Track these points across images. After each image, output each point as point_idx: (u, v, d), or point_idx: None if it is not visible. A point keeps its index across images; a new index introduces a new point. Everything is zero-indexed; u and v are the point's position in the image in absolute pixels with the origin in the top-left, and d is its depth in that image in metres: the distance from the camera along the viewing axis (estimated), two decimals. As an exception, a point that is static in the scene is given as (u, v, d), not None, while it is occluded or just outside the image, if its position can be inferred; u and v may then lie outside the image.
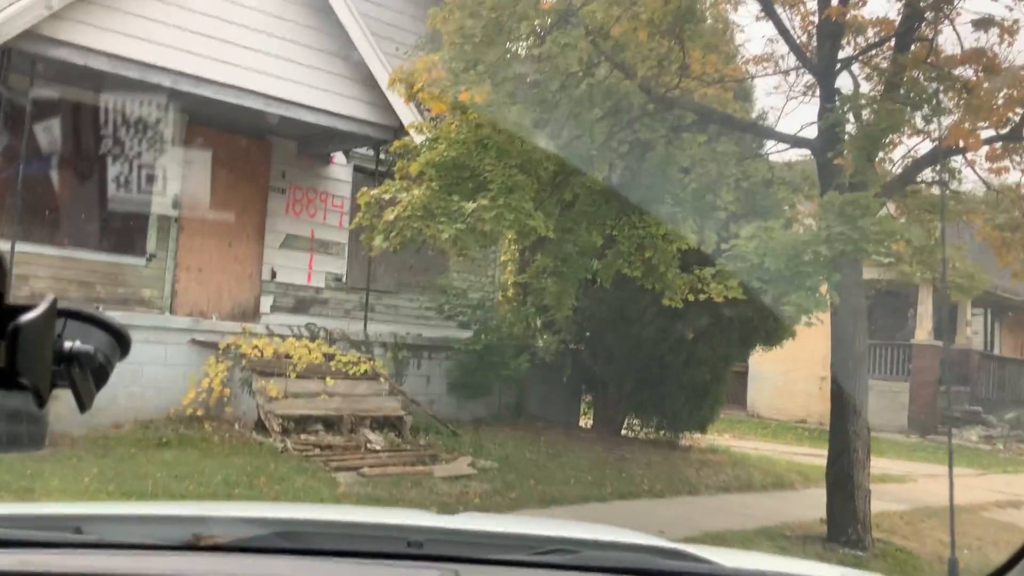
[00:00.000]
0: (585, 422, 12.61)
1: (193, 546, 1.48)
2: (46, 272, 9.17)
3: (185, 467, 6.98)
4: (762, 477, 10.01)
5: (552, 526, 2.37)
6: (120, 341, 0.98)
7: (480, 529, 1.95)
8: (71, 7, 7.81)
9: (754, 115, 9.66)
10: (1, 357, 0.77)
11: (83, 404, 0.92)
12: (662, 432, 11.93)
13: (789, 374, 19.55)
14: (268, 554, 1.50)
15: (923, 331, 17.80)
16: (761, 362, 18.89)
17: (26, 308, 0.80)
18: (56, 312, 0.84)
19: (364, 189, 7.35)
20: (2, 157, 8.99)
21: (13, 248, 8.16)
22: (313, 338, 9.72)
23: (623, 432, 12.12)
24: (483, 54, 5.40)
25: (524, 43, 5.76)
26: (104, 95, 9.10)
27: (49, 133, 9.05)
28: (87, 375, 0.90)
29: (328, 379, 8.84)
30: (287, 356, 8.90)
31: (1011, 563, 1.24)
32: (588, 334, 11.53)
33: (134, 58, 8.35)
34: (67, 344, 0.89)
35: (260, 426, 8.29)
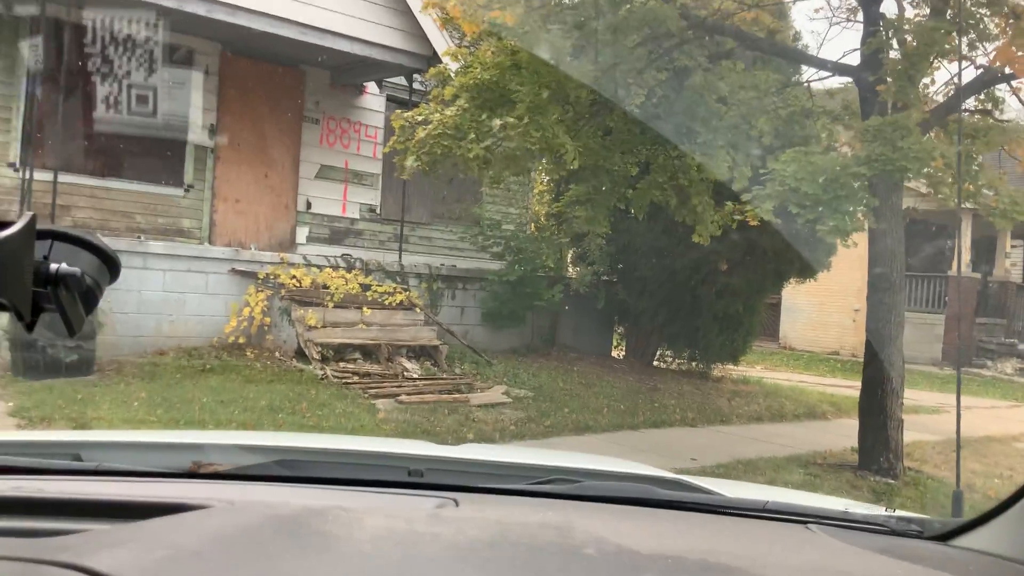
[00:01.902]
0: (618, 353, 12.71)
1: (192, 473, 1.49)
2: (86, 202, 9.33)
3: (230, 393, 7.19)
4: (794, 407, 10.08)
5: (553, 457, 2.35)
6: (109, 264, 0.94)
7: (480, 459, 1.96)
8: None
9: (795, 41, 9.43)
10: None
11: (71, 327, 0.89)
12: (694, 363, 11.99)
13: (822, 306, 19.46)
14: (267, 482, 1.49)
15: (961, 262, 17.56)
16: (794, 294, 18.81)
17: (3, 225, 0.77)
18: (36, 231, 0.81)
19: (398, 112, 7.33)
20: (42, 88, 9.09)
21: (56, 178, 8.30)
22: (349, 269, 9.84)
23: (655, 363, 12.21)
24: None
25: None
26: (138, 24, 9.11)
27: (86, 64, 9.09)
28: (75, 298, 0.87)
29: (365, 309, 8.98)
30: (324, 286, 9.04)
31: (1015, 497, 1.22)
32: (621, 266, 11.54)
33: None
34: (53, 266, 0.85)
35: (300, 354, 8.48)
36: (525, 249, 10.98)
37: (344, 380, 8.07)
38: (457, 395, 8.27)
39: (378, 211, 11.63)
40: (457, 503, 1.36)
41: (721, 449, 7.41)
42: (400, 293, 9.46)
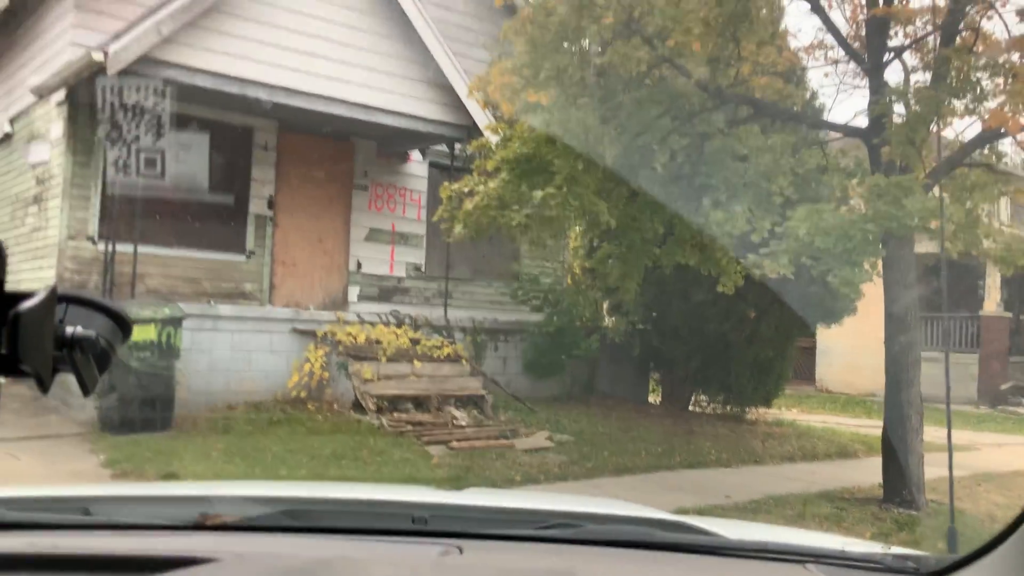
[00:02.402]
0: (654, 399, 13.19)
1: (200, 525, 1.51)
2: (157, 270, 10.14)
3: (296, 443, 7.84)
4: (826, 447, 10.47)
5: (556, 501, 2.33)
6: (121, 325, 0.97)
7: (484, 504, 1.98)
8: (179, 32, 8.70)
9: (809, 100, 10.04)
10: (2, 344, 0.78)
11: (86, 388, 0.92)
12: (728, 407, 12.43)
13: (857, 348, 19.72)
14: (274, 532, 1.52)
15: (991, 302, 17.82)
16: (829, 338, 19.12)
17: (26, 295, 0.80)
18: (56, 298, 0.85)
19: (446, 184, 8.04)
20: (116, 169, 9.98)
21: (136, 250, 9.13)
22: (399, 324, 10.52)
23: (691, 408, 12.66)
24: (550, 61, 6.03)
25: (589, 48, 6.34)
26: (206, 109, 10.02)
27: (154, 145, 9.97)
28: (89, 360, 0.90)
29: (415, 362, 9.62)
30: (377, 341, 9.72)
31: (1008, 532, 1.23)
32: (655, 315, 12.09)
33: (233, 75, 9.22)
34: (68, 329, 0.89)
35: (357, 405, 9.12)
36: (562, 302, 11.60)
37: (399, 429, 8.68)
38: (503, 441, 8.83)
39: (423, 269, 12.35)
40: (461, 550, 1.37)
41: (754, 487, 7.86)
42: (447, 346, 10.11)
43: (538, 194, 6.29)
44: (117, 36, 9.64)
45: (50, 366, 0.83)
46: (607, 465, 8.43)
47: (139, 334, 7.77)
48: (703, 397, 12.83)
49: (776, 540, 1.56)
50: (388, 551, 1.42)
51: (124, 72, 8.58)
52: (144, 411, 7.91)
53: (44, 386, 0.84)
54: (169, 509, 1.71)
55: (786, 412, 14.29)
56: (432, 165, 12.31)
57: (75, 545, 1.33)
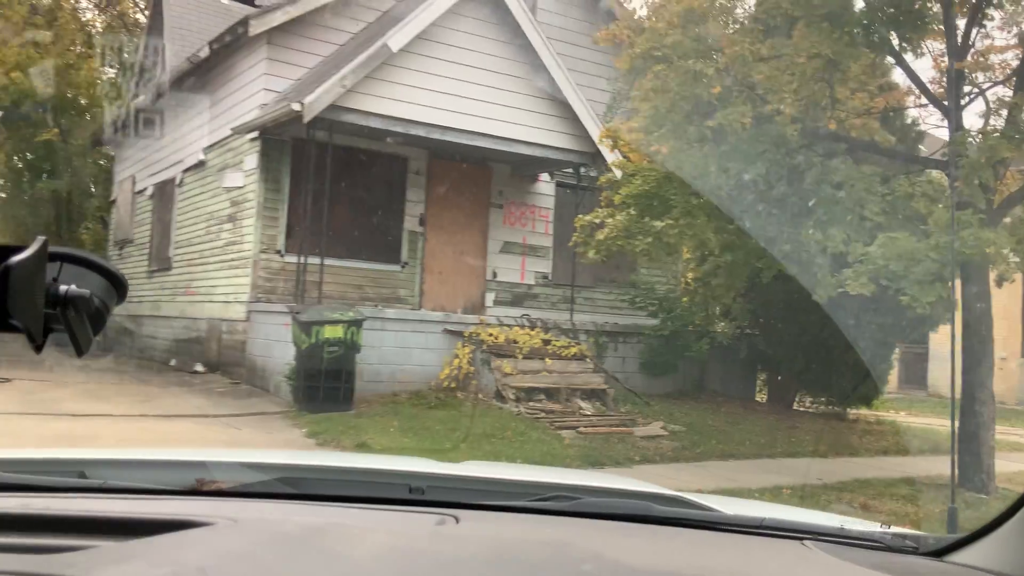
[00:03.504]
0: (760, 398, 14.34)
1: (196, 491, 1.51)
2: (330, 278, 12.03)
3: (452, 423, 9.51)
4: (920, 444, 11.45)
5: (553, 474, 2.33)
6: (116, 285, 0.96)
7: (481, 475, 1.98)
8: (358, 84, 10.52)
9: (900, 136, 11.05)
10: None
11: (80, 348, 0.91)
12: (830, 407, 13.47)
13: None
14: (270, 499, 1.52)
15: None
16: (941, 343, 19.63)
17: (16, 249, 0.80)
18: (48, 255, 0.84)
19: (580, 216, 9.55)
20: (298, 192, 11.94)
21: (322, 263, 11.04)
22: (532, 327, 12.10)
23: (794, 406, 13.76)
24: (670, 120, 7.43)
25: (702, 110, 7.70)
26: (371, 142, 11.86)
27: (327, 171, 11.88)
28: (83, 319, 0.89)
29: (547, 359, 11.18)
30: (514, 341, 11.32)
31: (1008, 513, 1.24)
32: (761, 320, 13.27)
33: (398, 116, 11.01)
34: (62, 288, 0.87)
35: (498, 395, 10.74)
36: (675, 308, 12.93)
37: (534, 416, 10.25)
38: (623, 428, 10.27)
39: (550, 277, 13.92)
40: (457, 520, 1.37)
41: (844, 473, 9.04)
42: (573, 346, 11.62)
43: (658, 224, 7.71)
44: (300, 82, 11.62)
45: (41, 322, 0.83)
46: (714, 451, 9.75)
47: (329, 332, 9.61)
48: (807, 397, 13.89)
49: (774, 516, 1.56)
50: (384, 519, 1.42)
51: (316, 118, 10.45)
52: (331, 395, 9.74)
53: (36, 343, 0.83)
54: (165, 474, 1.72)
55: (893, 414, 15.15)
56: (559, 185, 13.85)
57: (69, 507, 1.32)
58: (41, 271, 0.82)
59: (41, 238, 0.83)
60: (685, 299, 13.76)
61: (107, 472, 1.62)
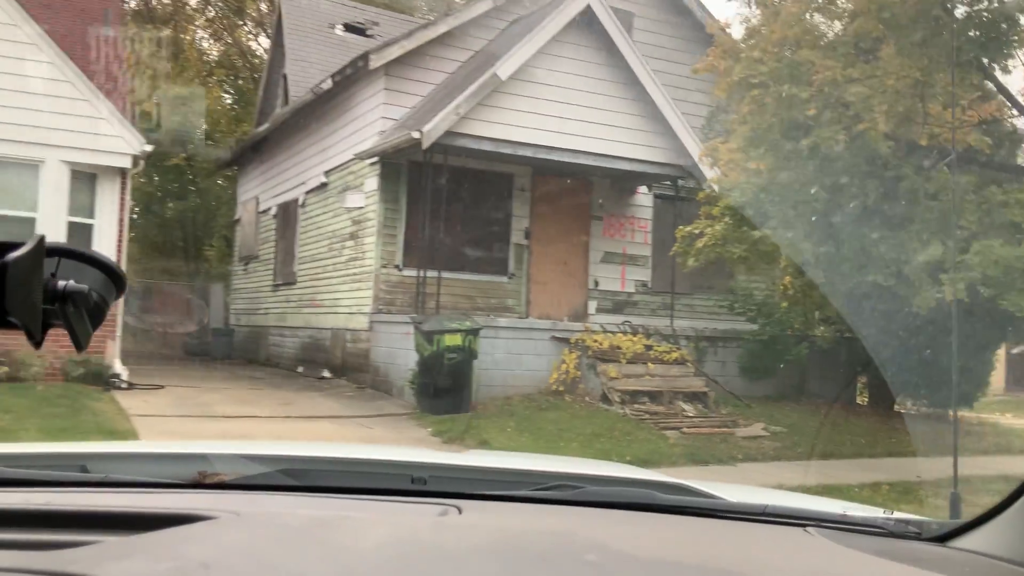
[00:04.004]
0: (861, 400, 14.57)
1: (198, 483, 1.52)
2: (444, 290, 12.94)
3: (562, 424, 10.23)
4: (1022, 444, 11.56)
5: (556, 463, 2.39)
6: (114, 280, 0.95)
7: (483, 465, 1.98)
8: (470, 111, 11.40)
9: (995, 146, 11.23)
10: None
11: (79, 343, 0.91)
12: (932, 408, 13.61)
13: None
14: (272, 491, 1.53)
15: None
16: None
17: (14, 245, 0.80)
18: (46, 250, 0.84)
19: (681, 227, 10.16)
20: (415, 210, 12.90)
21: (440, 276, 11.96)
22: (633, 333, 12.73)
23: (895, 409, 13.95)
24: (766, 141, 7.97)
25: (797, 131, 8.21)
26: (480, 162, 12.73)
27: (441, 191, 12.79)
28: (82, 314, 0.89)
29: (649, 364, 11.79)
30: (618, 347, 11.97)
31: (1012, 499, 1.24)
32: (860, 324, 13.53)
33: (506, 139, 11.83)
34: (61, 283, 0.87)
35: (604, 398, 11.42)
36: (774, 313, 13.34)
37: (639, 417, 10.88)
38: (725, 429, 10.80)
39: (649, 285, 14.51)
40: (460, 510, 1.38)
41: (942, 471, 9.33)
42: (674, 351, 12.20)
43: (756, 234, 8.27)
44: (415, 110, 12.59)
45: (39, 318, 0.83)
46: (815, 451, 10.19)
47: (449, 340, 10.48)
48: (908, 399, 14.06)
49: (776, 503, 1.57)
50: (387, 510, 1.43)
51: (432, 143, 11.37)
52: (451, 397, 10.61)
53: (34, 339, 0.83)
54: (167, 467, 1.71)
55: (997, 416, 15.13)
56: (656, 196, 14.43)
57: (71, 502, 1.33)
58: (39, 267, 0.82)
59: (38, 234, 0.83)
60: (784, 304, 14.13)
61: (108, 466, 1.64)
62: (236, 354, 18.56)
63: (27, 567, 0.96)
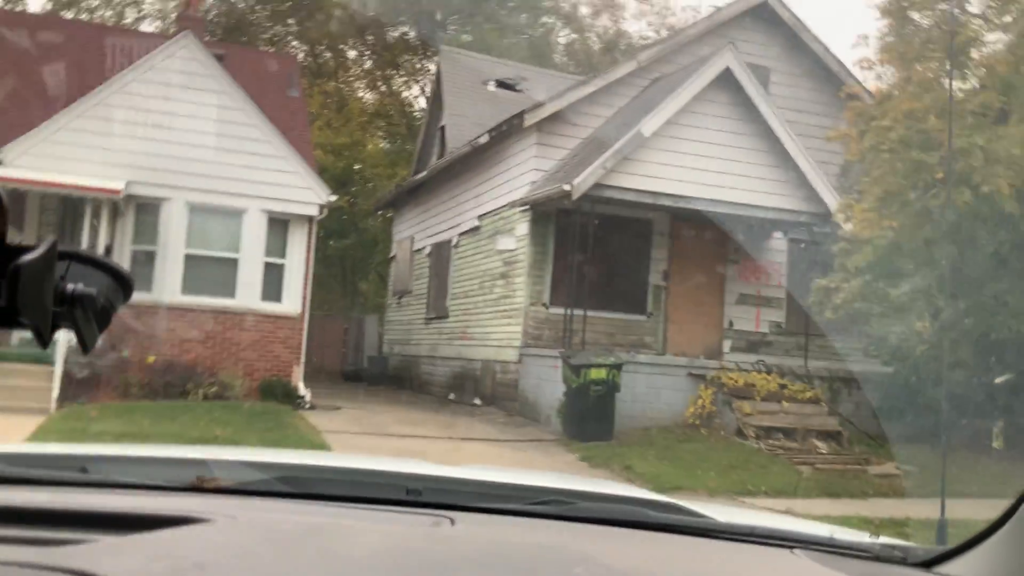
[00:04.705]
0: (996, 444, 14.62)
1: (196, 488, 1.54)
2: (588, 327, 13.98)
3: (700, 455, 11.06)
4: None
5: (549, 479, 2.48)
6: (122, 284, 0.97)
7: (478, 478, 2.01)
8: (616, 165, 12.52)
9: None
10: (2, 296, 0.79)
11: (86, 345, 0.92)
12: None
13: None
14: (269, 497, 1.56)
15: None
16: None
17: (27, 249, 0.81)
18: (57, 254, 0.86)
19: (817, 280, 10.87)
20: (560, 253, 14.07)
21: (585, 314, 13.07)
22: (768, 372, 13.40)
23: (1038, 453, 13.96)
24: (897, 200, 8.66)
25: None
26: (621, 208, 13.79)
27: (596, 238, 13.90)
28: (90, 317, 0.91)
29: (783, 402, 12.45)
30: (752, 385, 12.69)
31: (997, 525, 1.24)
32: (997, 370, 13.69)
33: (648, 190, 12.87)
34: (69, 286, 0.89)
35: (739, 432, 12.16)
36: (908, 357, 13.69)
37: (773, 452, 11.56)
38: (857, 466, 11.33)
39: (783, 326, 15.11)
40: (453, 522, 1.40)
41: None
42: (809, 391, 12.80)
43: (893, 292, 8.95)
44: (564, 163, 13.81)
45: (49, 321, 0.85)
46: (949, 490, 10.58)
47: (595, 374, 11.54)
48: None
49: (765, 524, 1.59)
50: (381, 519, 1.45)
51: (581, 195, 12.54)
52: (596, 426, 11.63)
53: (43, 340, 0.85)
54: (166, 470, 1.74)
55: None
56: (791, 241, 15.07)
57: (71, 501, 1.36)
58: (50, 271, 0.84)
59: (51, 238, 0.86)
60: (920, 349, 14.43)
61: (108, 467, 1.69)
62: (389, 381, 20.20)
63: (28, 561, 0.99)
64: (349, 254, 24.82)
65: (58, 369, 10.98)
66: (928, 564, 1.37)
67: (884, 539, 1.55)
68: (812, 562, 1.38)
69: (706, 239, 14.77)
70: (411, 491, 1.60)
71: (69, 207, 13.02)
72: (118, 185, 12.08)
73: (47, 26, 18.04)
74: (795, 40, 15.31)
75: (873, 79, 10.14)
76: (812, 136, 14.23)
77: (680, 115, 12.96)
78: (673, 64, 14.59)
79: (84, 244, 12.36)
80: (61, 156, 12.21)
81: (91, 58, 15.05)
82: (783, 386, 12.80)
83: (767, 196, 13.51)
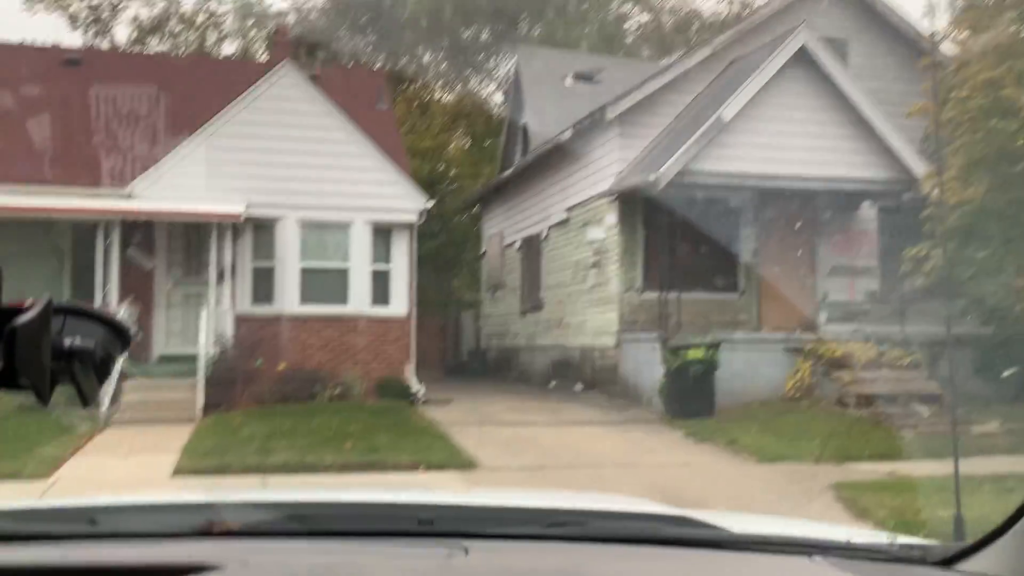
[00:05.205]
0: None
1: (205, 532, 1.53)
2: (682, 308, 14.43)
3: (801, 426, 11.41)
4: None
5: (561, 499, 2.47)
6: (119, 335, 0.97)
7: (489, 504, 2.00)
8: (700, 151, 12.93)
9: None
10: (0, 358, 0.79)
11: (85, 399, 0.92)
12: None
13: None
14: (280, 537, 1.55)
15: None
16: None
17: (22, 310, 0.82)
18: (52, 311, 0.86)
19: (908, 248, 11.11)
20: (650, 239, 14.55)
21: (679, 297, 13.54)
22: (865, 341, 13.62)
23: None
24: (980, 168, 8.88)
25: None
26: (712, 193, 14.18)
27: (684, 222, 14.33)
28: (88, 370, 0.91)
29: (882, 369, 12.69)
30: (850, 354, 12.95)
31: (1013, 520, 1.24)
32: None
33: (732, 172, 13.24)
34: (67, 341, 0.89)
35: (839, 402, 12.46)
36: (1007, 316, 13.70)
37: (875, 419, 11.84)
38: (959, 427, 11.51)
39: (877, 294, 15.23)
40: (467, 551, 1.40)
41: None
42: (907, 356, 12.99)
43: (980, 255, 9.18)
44: (647, 152, 14.27)
45: (47, 379, 0.85)
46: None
47: (693, 354, 12.03)
48: None
49: (781, 532, 1.59)
50: (394, 553, 1.45)
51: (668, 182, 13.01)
52: (697, 404, 12.13)
53: (43, 398, 0.85)
54: (174, 517, 1.74)
55: None
56: (881, 209, 15.17)
57: (83, 556, 1.35)
58: (46, 329, 0.84)
59: (46, 296, 0.87)
60: (1020, 307, 14.39)
61: (117, 518, 1.69)
62: (490, 373, 21.03)
63: None
64: (440, 253, 25.69)
65: (200, 381, 12.10)
66: (947, 562, 1.37)
67: (902, 539, 1.56)
68: (831, 568, 1.37)
69: (794, 214, 15.01)
70: (422, 521, 1.61)
71: (193, 232, 14.18)
72: (238, 209, 13.14)
73: (152, 64, 19.43)
74: (871, 10, 15.37)
75: (950, 47, 10.31)
76: (895, 104, 14.31)
77: (759, 96, 13.27)
78: (749, 45, 14.86)
79: (211, 264, 13.51)
80: (183, 186, 13.35)
81: (198, 91, 16.24)
82: (881, 353, 13.02)
83: (852, 168, 13.69)
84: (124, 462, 9.33)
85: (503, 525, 1.67)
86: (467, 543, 1.44)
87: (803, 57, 13.48)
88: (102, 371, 0.92)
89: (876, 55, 15.37)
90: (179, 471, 8.72)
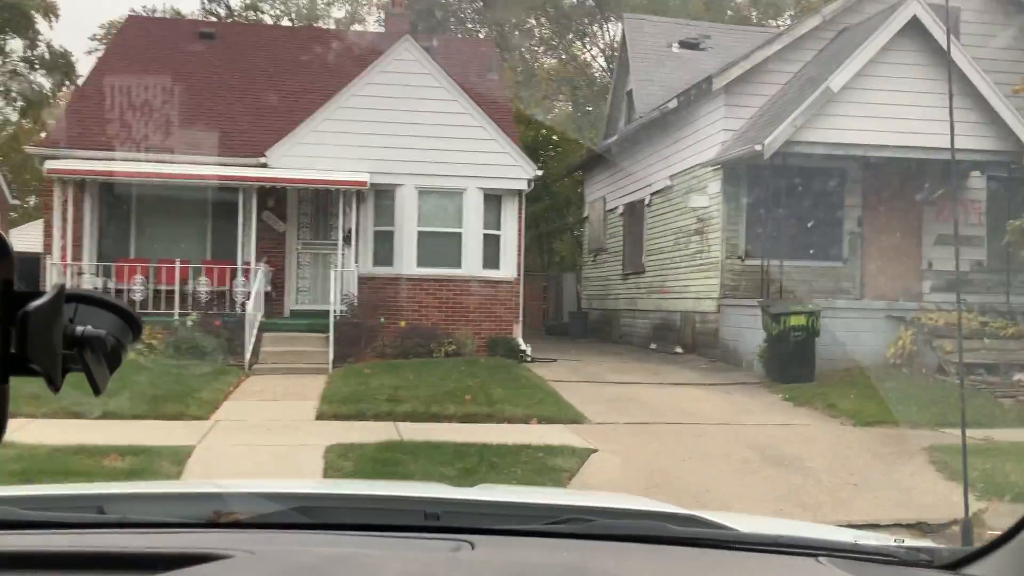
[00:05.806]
0: None
1: (213, 523, 1.55)
2: (785, 276, 14.78)
3: (901, 393, 11.72)
4: None
5: (568, 496, 2.31)
6: (131, 323, 0.98)
7: (495, 500, 2.01)
8: (807, 121, 13.17)
9: None
10: (12, 343, 0.80)
11: (96, 387, 0.92)
12: None
13: None
14: (287, 529, 1.56)
15: None
16: None
17: (34, 295, 0.82)
18: (65, 298, 0.86)
19: (1011, 222, 11.19)
20: (764, 210, 14.87)
21: (782, 264, 13.90)
22: (969, 310, 13.71)
23: None
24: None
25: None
26: (817, 162, 14.39)
27: (788, 191, 14.61)
28: (100, 358, 0.91)
29: (985, 339, 12.80)
30: (952, 324, 13.09)
31: (1022, 523, 1.24)
32: None
33: (837, 142, 13.43)
34: (79, 329, 0.90)
35: (940, 370, 12.67)
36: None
37: (976, 387, 12.03)
38: (1064, 399, 11.62)
39: (984, 264, 15.19)
40: (473, 545, 1.41)
41: None
42: (1011, 327, 13.05)
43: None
44: (752, 121, 14.55)
45: (59, 365, 0.85)
46: None
47: (794, 320, 12.43)
48: None
49: (788, 533, 1.58)
50: (401, 547, 1.45)
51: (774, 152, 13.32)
52: (797, 369, 12.55)
53: (54, 385, 0.85)
54: (183, 507, 1.74)
55: None
56: (989, 179, 15.06)
57: (90, 543, 1.36)
58: (58, 315, 0.84)
59: (58, 283, 0.92)
60: None
61: (125, 507, 1.70)
62: (591, 334, 21.74)
63: None
64: (543, 216, 26.42)
65: (331, 335, 13.22)
66: (954, 566, 1.37)
67: (910, 542, 1.57)
68: (838, 570, 1.38)
69: (900, 184, 15.07)
70: (429, 516, 1.62)
71: (320, 197, 15.29)
72: (364, 177, 14.14)
73: (276, 36, 20.60)
74: (987, -25, 15.12)
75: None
76: (1009, 72, 14.15)
77: (868, 67, 13.37)
78: (859, 13, 14.87)
79: (338, 228, 14.61)
80: (313, 155, 14.41)
81: (321, 62, 17.30)
82: (985, 323, 13.12)
83: (961, 138, 13.64)
84: (272, 406, 10.47)
85: (509, 521, 1.69)
86: (473, 538, 1.46)
87: (914, 26, 13.47)
88: (113, 359, 0.93)
89: (992, 23, 15.13)
90: (321, 416, 9.78)
